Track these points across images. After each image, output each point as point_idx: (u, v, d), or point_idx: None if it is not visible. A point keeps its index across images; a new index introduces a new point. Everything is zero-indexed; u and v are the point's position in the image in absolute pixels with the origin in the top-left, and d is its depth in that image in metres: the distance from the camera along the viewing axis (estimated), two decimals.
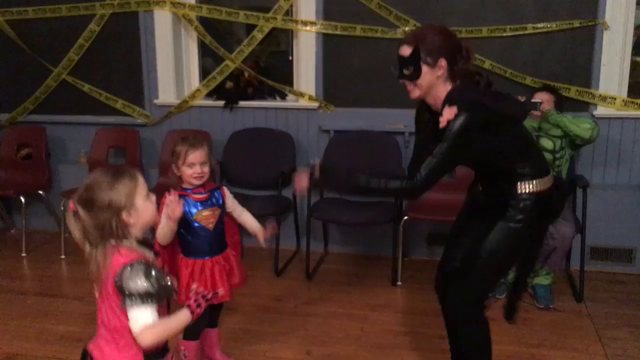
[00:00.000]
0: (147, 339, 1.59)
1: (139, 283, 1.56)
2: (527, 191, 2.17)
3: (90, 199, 1.60)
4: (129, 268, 1.57)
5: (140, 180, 1.68)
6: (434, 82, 2.14)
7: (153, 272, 1.59)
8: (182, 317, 1.66)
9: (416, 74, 2.13)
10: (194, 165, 2.45)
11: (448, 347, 2.44)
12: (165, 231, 2.38)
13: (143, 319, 1.58)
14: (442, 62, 2.11)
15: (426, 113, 2.31)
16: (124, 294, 1.57)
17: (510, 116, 2.16)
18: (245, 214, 2.68)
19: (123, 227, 1.62)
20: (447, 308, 2.33)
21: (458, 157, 2.12)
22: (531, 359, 2.86)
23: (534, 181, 2.17)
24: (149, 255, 1.67)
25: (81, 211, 1.59)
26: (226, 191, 2.61)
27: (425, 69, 2.12)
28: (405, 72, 2.15)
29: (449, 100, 2.10)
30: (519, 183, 2.16)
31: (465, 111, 2.02)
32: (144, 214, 1.66)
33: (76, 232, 1.62)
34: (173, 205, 2.32)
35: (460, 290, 2.27)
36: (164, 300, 1.66)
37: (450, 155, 2.06)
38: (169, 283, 1.65)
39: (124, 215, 1.62)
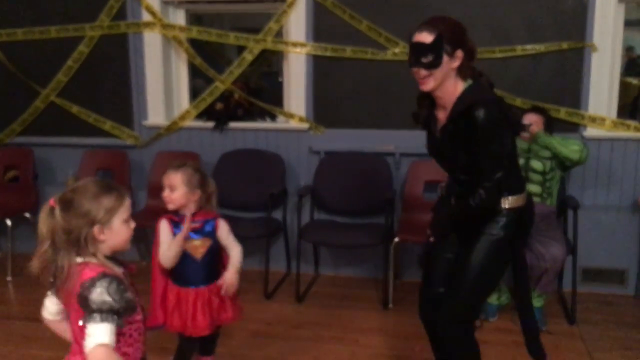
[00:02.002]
0: (100, 356, 1.51)
1: (102, 298, 1.51)
2: (506, 207, 2.17)
3: (71, 201, 1.57)
4: (93, 282, 1.53)
5: (127, 203, 1.65)
6: (449, 73, 2.10)
7: (117, 287, 1.54)
8: None
9: (437, 62, 2.06)
10: (164, 188, 2.41)
11: None
12: (171, 254, 2.35)
13: (99, 337, 1.51)
14: (460, 53, 2.08)
15: (424, 110, 2.28)
16: (85, 308, 1.52)
17: (516, 124, 2.18)
18: (234, 251, 2.53)
19: (91, 240, 1.58)
20: (440, 334, 2.30)
21: (505, 146, 2.10)
22: None
23: (515, 197, 2.17)
24: (117, 270, 1.63)
25: (57, 210, 1.56)
26: (221, 223, 2.52)
27: (445, 58, 2.07)
28: (424, 60, 2.07)
29: (469, 98, 2.07)
30: (502, 199, 2.16)
31: (491, 108, 2.03)
32: (117, 236, 1.63)
33: (44, 227, 1.58)
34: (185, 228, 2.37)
35: (451, 314, 2.24)
36: (132, 311, 1.61)
37: (500, 147, 2.07)
38: (131, 298, 1.60)
39: (96, 230, 1.58)
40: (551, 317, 3.47)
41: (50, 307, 1.72)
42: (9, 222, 4.25)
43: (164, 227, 2.44)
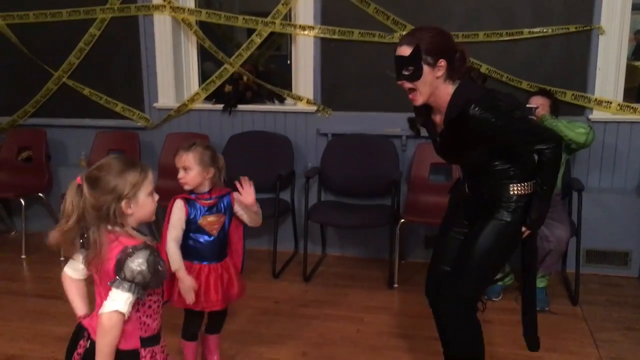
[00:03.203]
0: (110, 321, 1.59)
1: (139, 268, 1.59)
2: (517, 193, 2.20)
3: (97, 178, 1.64)
4: (135, 250, 1.61)
5: (150, 176, 1.73)
6: (434, 83, 2.13)
7: (155, 260, 1.62)
8: (104, 354, 1.64)
9: (417, 74, 2.10)
10: (179, 170, 2.44)
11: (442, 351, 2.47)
12: (173, 260, 2.38)
13: (119, 304, 1.59)
14: (442, 62, 2.11)
15: (421, 117, 2.32)
16: (118, 273, 1.60)
17: (517, 106, 2.22)
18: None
19: (120, 215, 1.65)
20: (441, 311, 2.36)
21: (518, 116, 2.17)
22: None
23: (525, 184, 2.20)
24: (149, 240, 1.70)
25: (85, 187, 1.62)
26: (236, 196, 2.53)
27: (425, 69, 2.10)
28: (405, 72, 2.12)
29: (459, 101, 2.10)
30: (510, 185, 2.20)
31: (482, 100, 2.06)
32: (143, 209, 1.70)
33: (69, 204, 1.64)
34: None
35: (453, 293, 2.28)
36: (158, 286, 1.69)
37: (518, 122, 2.14)
38: (164, 271, 1.67)
39: (124, 204, 1.65)
40: (554, 298, 3.51)
41: (76, 265, 1.78)
42: (22, 202, 4.33)
43: (177, 208, 2.45)
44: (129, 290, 1.59)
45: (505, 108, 2.10)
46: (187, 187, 2.46)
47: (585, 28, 3.72)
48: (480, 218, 2.25)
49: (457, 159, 2.34)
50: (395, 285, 3.76)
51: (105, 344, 1.61)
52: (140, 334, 1.69)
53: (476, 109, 2.04)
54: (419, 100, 2.16)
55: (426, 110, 2.28)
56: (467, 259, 2.26)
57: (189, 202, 2.46)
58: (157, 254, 1.65)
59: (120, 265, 1.60)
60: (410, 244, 4.18)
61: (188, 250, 2.50)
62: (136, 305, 1.65)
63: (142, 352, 1.70)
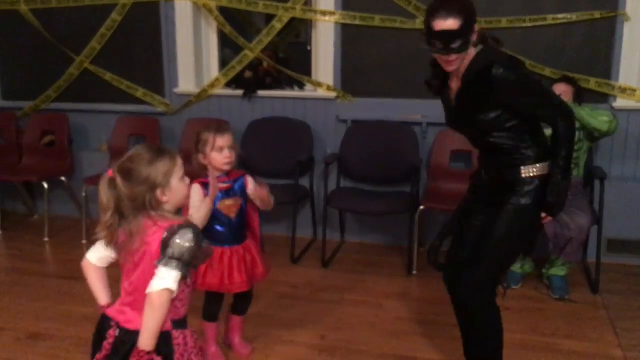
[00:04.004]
0: (161, 299, 1.62)
1: (185, 245, 1.62)
2: (531, 175, 2.19)
3: (130, 169, 1.67)
4: (180, 227, 1.64)
5: (179, 162, 1.75)
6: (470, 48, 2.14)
7: (198, 238, 1.65)
8: (152, 338, 1.66)
9: (466, 45, 2.09)
10: (222, 150, 2.45)
11: (460, 335, 2.47)
12: (201, 214, 2.38)
13: (168, 282, 1.62)
14: (476, 27, 2.11)
15: (437, 80, 2.32)
16: (164, 252, 1.63)
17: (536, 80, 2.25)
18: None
19: (155, 203, 1.68)
20: (461, 296, 2.35)
21: (539, 85, 2.19)
22: (545, 348, 2.88)
23: (537, 165, 2.19)
24: (188, 221, 1.73)
25: (119, 180, 1.66)
26: (249, 178, 2.59)
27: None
28: (454, 45, 2.07)
29: (483, 61, 2.11)
30: (521, 167, 2.19)
31: (507, 63, 2.09)
32: (177, 194, 1.73)
33: (105, 197, 1.67)
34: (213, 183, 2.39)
35: (472, 278, 2.28)
36: (203, 262, 1.73)
37: (538, 89, 2.16)
38: (208, 247, 1.72)
39: (158, 192, 1.68)
40: (574, 287, 3.49)
41: (101, 252, 1.81)
42: (45, 185, 4.39)
43: (195, 191, 2.46)
44: (177, 267, 1.62)
45: (527, 72, 2.17)
46: (227, 168, 2.49)
47: (610, 14, 3.67)
48: (497, 204, 2.24)
49: (469, 125, 2.28)
50: (414, 272, 3.77)
51: (154, 321, 1.64)
52: (171, 316, 1.72)
53: (500, 69, 2.05)
54: (455, 64, 2.14)
55: (443, 75, 2.28)
56: (485, 245, 2.26)
57: (206, 187, 2.48)
58: (198, 233, 1.67)
59: (166, 243, 1.63)
60: (430, 231, 4.16)
61: (208, 234, 2.51)
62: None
63: (174, 333, 1.73)
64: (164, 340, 1.69)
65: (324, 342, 2.93)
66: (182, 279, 1.65)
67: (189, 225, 1.68)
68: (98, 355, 1.74)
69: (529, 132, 2.19)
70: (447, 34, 2.06)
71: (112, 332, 1.73)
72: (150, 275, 1.66)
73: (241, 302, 2.72)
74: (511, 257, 2.43)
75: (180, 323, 1.76)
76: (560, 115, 2.13)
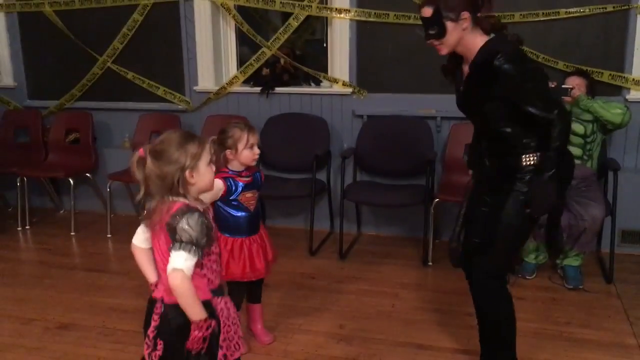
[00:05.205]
0: (175, 280, 1.71)
1: (184, 228, 1.71)
2: (532, 163, 2.23)
3: (161, 150, 1.76)
4: (180, 213, 1.73)
5: (207, 147, 1.84)
6: (460, 35, 2.20)
7: (198, 220, 1.73)
8: (196, 309, 1.75)
9: (441, 32, 2.19)
10: (253, 147, 2.56)
11: (476, 323, 2.53)
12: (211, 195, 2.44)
13: (176, 262, 1.71)
14: (465, 15, 2.17)
15: (452, 64, 2.38)
16: (172, 237, 1.73)
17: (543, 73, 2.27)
18: None
19: (184, 184, 1.77)
20: (473, 281, 2.43)
21: (541, 82, 2.22)
22: (559, 336, 2.93)
23: (538, 153, 2.22)
24: (200, 207, 1.82)
25: (149, 160, 1.75)
26: (263, 173, 2.77)
27: (449, 25, 2.18)
28: (431, 32, 2.21)
29: (488, 49, 2.16)
30: (523, 156, 2.24)
31: (510, 55, 2.12)
32: (204, 178, 1.82)
33: (137, 174, 1.78)
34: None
35: (482, 264, 2.35)
36: (211, 244, 1.80)
37: (537, 84, 2.18)
38: (211, 230, 1.80)
39: (187, 173, 1.77)
40: (589, 277, 3.53)
41: (141, 234, 1.93)
42: (71, 181, 4.54)
43: (217, 188, 2.52)
44: (181, 248, 1.71)
45: (531, 67, 2.16)
46: (254, 163, 2.63)
47: (623, 7, 3.70)
48: (502, 192, 2.29)
49: (476, 112, 2.35)
50: (430, 264, 3.84)
51: (183, 299, 1.74)
52: (210, 286, 1.84)
53: (501, 59, 2.10)
54: (443, 50, 2.25)
55: (456, 60, 2.35)
56: (492, 233, 2.31)
57: (229, 180, 2.59)
58: (198, 215, 1.76)
59: (172, 231, 1.73)
60: (445, 223, 4.23)
61: (229, 226, 2.64)
62: (199, 264, 1.77)
63: (215, 300, 1.84)
64: (208, 308, 1.80)
65: (342, 331, 3.02)
66: (195, 257, 1.73)
67: (188, 209, 1.75)
68: (149, 330, 1.84)
69: (533, 123, 2.22)
70: (425, 21, 2.22)
71: (158, 310, 1.84)
72: (165, 254, 1.77)
73: (256, 289, 2.83)
74: (519, 243, 2.48)
75: (217, 291, 1.87)
76: (556, 118, 2.13)
